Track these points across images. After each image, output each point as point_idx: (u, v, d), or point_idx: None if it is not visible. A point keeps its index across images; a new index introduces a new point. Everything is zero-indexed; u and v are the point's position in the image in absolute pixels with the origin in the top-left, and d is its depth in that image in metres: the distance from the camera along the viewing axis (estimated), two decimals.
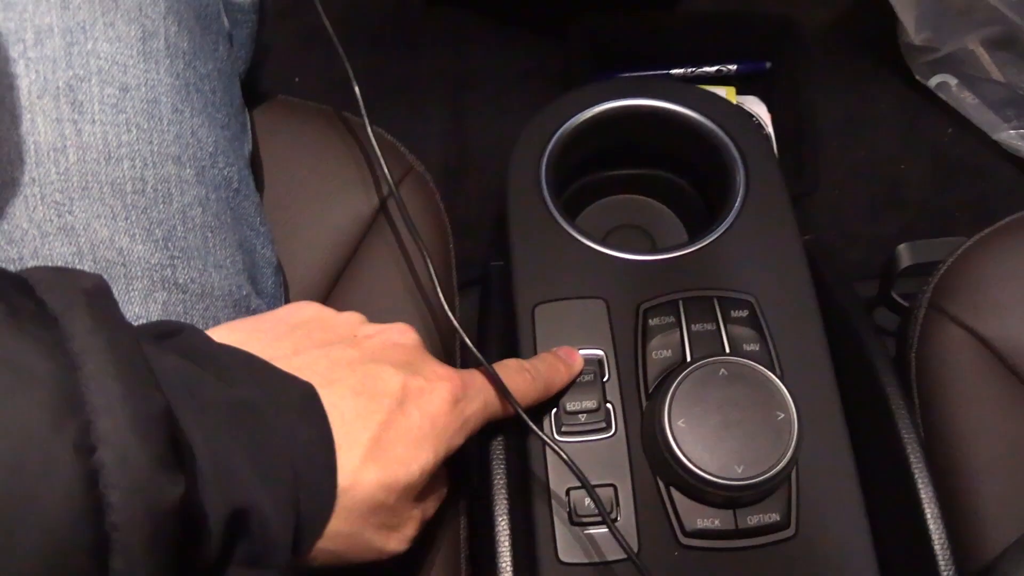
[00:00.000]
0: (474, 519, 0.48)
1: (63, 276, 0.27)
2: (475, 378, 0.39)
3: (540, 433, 0.42)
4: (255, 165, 0.52)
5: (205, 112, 0.43)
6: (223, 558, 0.29)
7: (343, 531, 0.33)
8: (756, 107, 0.95)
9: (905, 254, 0.72)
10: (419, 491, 0.36)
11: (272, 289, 0.46)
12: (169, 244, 0.40)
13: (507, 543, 0.43)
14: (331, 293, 0.51)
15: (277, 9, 0.63)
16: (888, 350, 0.48)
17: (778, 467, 0.43)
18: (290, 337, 0.36)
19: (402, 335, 0.39)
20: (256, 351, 0.33)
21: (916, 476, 0.43)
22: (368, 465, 0.33)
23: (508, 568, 0.43)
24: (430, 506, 0.39)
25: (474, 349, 0.41)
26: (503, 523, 0.43)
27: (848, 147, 1.02)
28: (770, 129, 0.94)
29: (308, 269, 0.51)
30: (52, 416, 0.24)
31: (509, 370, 0.42)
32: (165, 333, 0.32)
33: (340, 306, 0.50)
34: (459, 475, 0.46)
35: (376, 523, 0.34)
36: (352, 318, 0.39)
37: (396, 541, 0.36)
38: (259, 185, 0.52)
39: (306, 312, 0.38)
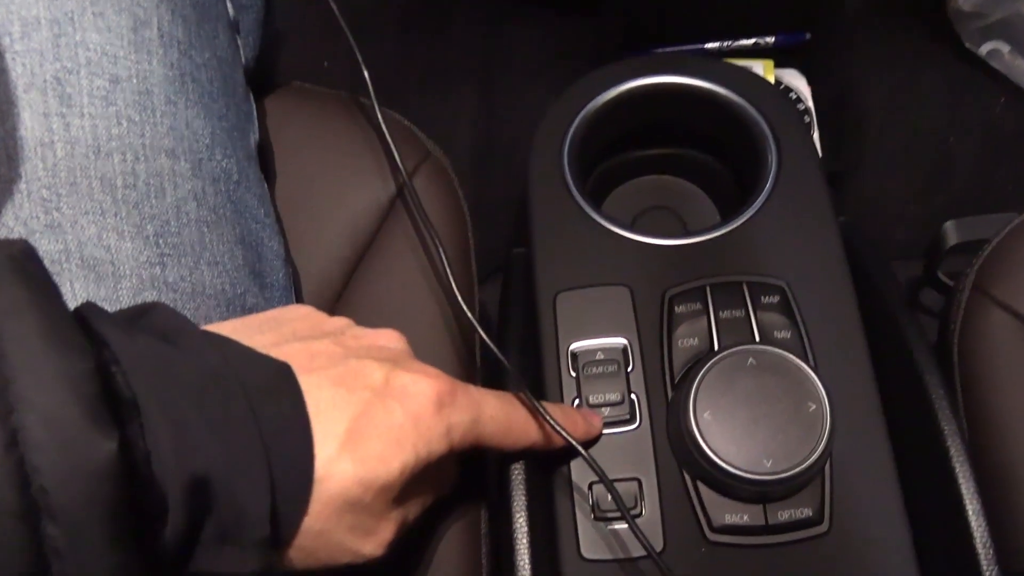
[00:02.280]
0: (493, 514, 0.47)
1: None
2: (469, 392, 0.37)
3: (559, 428, 0.40)
4: (266, 154, 0.51)
5: (201, 103, 0.42)
6: (191, 534, 0.28)
7: (314, 527, 0.32)
8: (795, 80, 0.92)
9: (952, 232, 0.68)
10: (399, 493, 0.34)
11: (283, 281, 0.45)
12: (160, 241, 0.39)
13: (525, 540, 0.42)
14: (347, 285, 0.50)
15: None
16: (928, 336, 0.45)
17: (809, 461, 0.41)
18: (274, 332, 0.35)
19: (390, 340, 0.37)
20: (235, 339, 0.33)
21: (956, 469, 0.41)
22: (344, 457, 0.32)
23: (526, 565, 0.41)
24: (412, 511, 0.38)
25: (493, 347, 0.40)
26: (520, 519, 0.42)
27: (893, 120, 0.98)
28: (810, 103, 0.91)
29: (324, 260, 0.50)
30: None
31: (513, 400, 0.40)
32: (136, 314, 0.32)
33: (356, 299, 0.50)
34: (476, 469, 0.45)
35: (351, 522, 0.33)
36: (341, 321, 0.38)
37: (372, 545, 0.35)
38: (271, 174, 0.51)
39: (297, 312, 0.37)
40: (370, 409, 0.33)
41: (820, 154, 0.89)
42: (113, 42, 0.39)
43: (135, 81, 0.39)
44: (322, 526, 0.32)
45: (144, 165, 0.39)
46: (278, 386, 0.31)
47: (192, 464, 0.27)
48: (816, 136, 0.91)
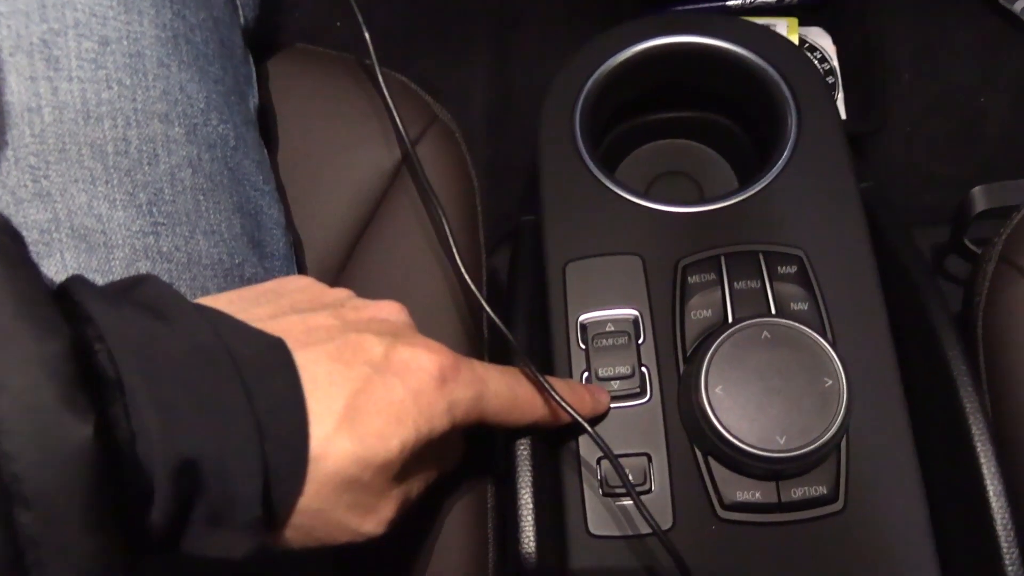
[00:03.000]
0: (500, 488, 0.46)
1: None
2: (473, 367, 0.36)
3: (565, 403, 0.39)
4: (268, 119, 0.49)
5: (196, 65, 0.40)
6: (179, 516, 0.27)
7: (311, 506, 0.31)
8: (820, 39, 0.89)
9: (979, 197, 0.66)
10: (400, 470, 0.33)
11: (283, 250, 0.44)
12: (154, 209, 0.38)
13: (531, 516, 0.41)
14: (351, 254, 0.49)
15: None
16: (953, 306, 0.44)
17: (823, 438, 0.40)
18: (272, 304, 0.34)
19: (392, 312, 0.36)
20: (230, 313, 0.31)
21: (978, 448, 0.40)
22: (341, 435, 0.30)
23: (531, 541, 0.41)
24: (415, 487, 0.37)
25: (498, 321, 0.38)
26: (526, 495, 0.41)
27: (922, 79, 0.95)
28: (835, 62, 0.88)
29: (327, 228, 0.48)
30: None
31: (518, 375, 0.39)
32: (126, 287, 0.30)
33: (360, 269, 0.49)
34: (483, 442, 0.44)
35: (349, 501, 0.32)
36: (342, 292, 0.36)
37: (373, 523, 0.34)
38: (272, 140, 0.49)
39: (297, 283, 0.36)
40: (369, 385, 0.32)
41: (845, 115, 0.87)
42: (102, 2, 0.37)
43: (125, 43, 0.38)
44: (319, 505, 0.31)
45: (136, 131, 0.37)
46: (272, 362, 0.30)
47: (179, 446, 0.26)
48: (841, 97, 0.88)
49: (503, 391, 0.37)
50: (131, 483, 0.26)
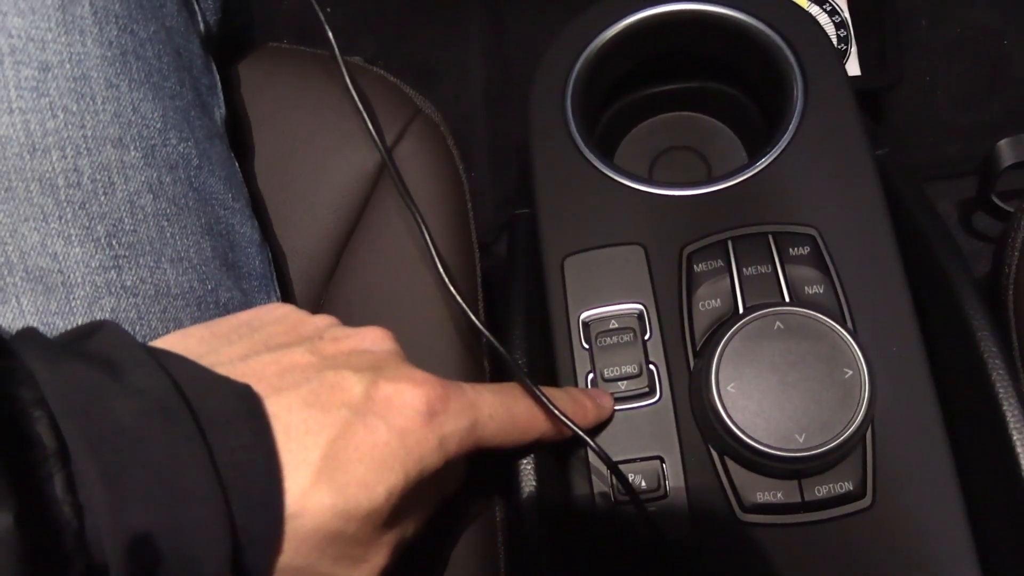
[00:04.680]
0: (507, 502, 0.44)
1: None
2: (464, 393, 0.33)
3: (564, 417, 0.37)
4: (241, 127, 0.47)
5: (148, 82, 0.38)
6: None
7: (292, 564, 0.29)
8: None
9: (1007, 151, 0.62)
10: (389, 516, 0.31)
11: (260, 268, 0.42)
12: (114, 241, 0.35)
13: (539, 529, 0.39)
14: (338, 263, 0.46)
15: None
16: (980, 282, 0.41)
17: (845, 434, 0.37)
18: (245, 341, 0.31)
19: (375, 342, 0.33)
20: (198, 355, 0.29)
21: (1014, 436, 0.37)
22: (319, 488, 0.28)
23: (543, 551, 0.39)
24: (409, 529, 0.34)
25: (488, 334, 0.36)
26: (533, 505, 0.39)
27: (939, 23, 0.90)
28: (846, 14, 0.84)
29: (311, 238, 0.46)
30: None
31: (513, 393, 0.36)
32: (80, 337, 0.28)
33: (347, 280, 0.46)
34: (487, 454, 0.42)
35: (335, 554, 0.30)
36: (323, 321, 0.34)
37: (363, 573, 0.31)
38: (247, 149, 0.47)
39: (274, 314, 0.33)
40: (349, 429, 0.29)
41: (860, 70, 0.83)
42: (39, 25, 0.35)
43: (68, 66, 0.35)
44: (301, 562, 0.29)
45: (88, 159, 0.35)
46: (239, 414, 0.28)
47: (131, 520, 0.24)
48: (855, 50, 0.84)
49: (499, 413, 0.34)
50: (82, 561, 0.24)
